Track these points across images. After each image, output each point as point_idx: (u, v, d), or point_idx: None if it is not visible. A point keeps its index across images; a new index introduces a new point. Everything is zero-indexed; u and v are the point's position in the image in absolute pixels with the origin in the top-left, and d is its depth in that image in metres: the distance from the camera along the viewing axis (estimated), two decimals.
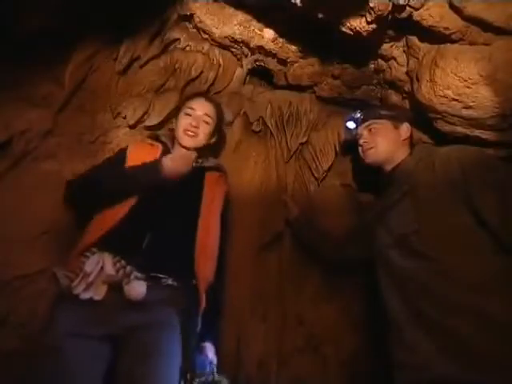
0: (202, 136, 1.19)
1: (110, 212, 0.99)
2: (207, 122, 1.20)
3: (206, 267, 1.01)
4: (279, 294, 1.53)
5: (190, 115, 1.19)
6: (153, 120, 1.47)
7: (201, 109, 1.20)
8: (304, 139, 1.63)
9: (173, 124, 1.27)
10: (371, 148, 1.18)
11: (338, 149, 1.62)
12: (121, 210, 0.98)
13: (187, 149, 1.19)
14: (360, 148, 1.23)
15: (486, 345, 0.83)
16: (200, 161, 1.21)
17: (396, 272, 1.01)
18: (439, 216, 0.97)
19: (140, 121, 1.46)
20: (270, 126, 1.63)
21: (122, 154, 1.17)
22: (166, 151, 1.18)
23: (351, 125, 1.27)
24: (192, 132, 1.17)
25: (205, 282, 1.00)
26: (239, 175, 1.56)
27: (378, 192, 1.39)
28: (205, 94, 1.32)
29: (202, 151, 1.24)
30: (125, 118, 1.44)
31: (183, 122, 1.19)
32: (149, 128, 1.49)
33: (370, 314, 1.53)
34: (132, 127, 1.47)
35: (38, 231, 1.26)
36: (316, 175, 1.64)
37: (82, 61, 1.36)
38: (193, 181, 1.13)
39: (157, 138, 1.23)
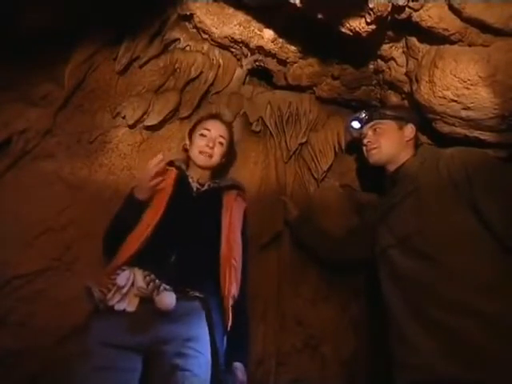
0: (217, 157, 1.24)
1: (137, 233, 1.04)
2: (221, 143, 1.25)
3: (230, 284, 1.02)
4: (278, 293, 1.53)
5: (205, 136, 1.23)
6: (152, 120, 1.47)
7: (215, 130, 1.24)
8: (303, 139, 1.63)
9: (186, 144, 1.30)
10: (375, 148, 1.18)
11: (337, 149, 1.62)
12: (147, 230, 1.03)
13: (202, 168, 1.24)
14: (364, 148, 1.23)
15: (487, 345, 0.82)
16: (217, 181, 1.24)
17: (398, 272, 1.01)
18: (442, 217, 0.97)
19: (139, 121, 1.46)
20: (269, 126, 1.63)
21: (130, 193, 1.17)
22: (182, 173, 1.21)
23: (356, 124, 1.28)
24: (207, 153, 1.21)
25: (230, 299, 1.01)
26: (238, 175, 1.55)
27: (378, 192, 1.39)
28: (218, 116, 1.37)
29: (217, 171, 1.29)
30: (124, 117, 1.44)
31: (199, 142, 1.23)
32: (148, 128, 1.49)
33: (368, 314, 1.53)
34: (131, 127, 1.47)
35: (36, 231, 1.26)
36: (315, 175, 1.64)
37: (81, 61, 1.36)
38: (211, 201, 1.16)
39: (171, 164, 1.24)
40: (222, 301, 1.01)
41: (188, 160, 1.27)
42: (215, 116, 1.35)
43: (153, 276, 0.95)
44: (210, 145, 1.21)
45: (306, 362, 1.50)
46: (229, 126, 1.34)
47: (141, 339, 0.90)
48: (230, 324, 0.98)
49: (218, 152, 1.23)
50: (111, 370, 0.86)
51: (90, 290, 0.92)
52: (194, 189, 1.18)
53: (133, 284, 0.92)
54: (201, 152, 1.21)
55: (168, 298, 0.91)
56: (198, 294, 0.99)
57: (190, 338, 0.92)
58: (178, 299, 0.94)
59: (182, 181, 1.18)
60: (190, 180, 1.20)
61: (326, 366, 1.50)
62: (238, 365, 0.98)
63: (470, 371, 0.82)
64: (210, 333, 0.95)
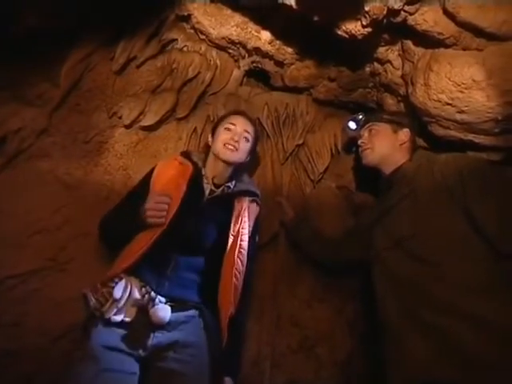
0: (242, 152, 1.17)
1: (140, 240, 1.00)
2: (247, 139, 1.18)
3: (229, 303, 1.00)
4: (274, 294, 1.53)
5: (230, 130, 1.16)
6: (149, 120, 1.47)
7: (241, 125, 1.18)
8: (300, 141, 1.63)
9: (208, 141, 1.22)
10: (368, 148, 1.21)
11: (333, 151, 1.63)
12: (150, 238, 0.99)
13: (225, 163, 1.16)
14: (359, 148, 1.26)
15: (481, 347, 0.83)
16: (231, 184, 1.18)
17: (393, 274, 1.02)
18: (437, 220, 0.98)
19: (136, 121, 1.46)
20: (266, 127, 1.63)
21: (145, 180, 1.12)
22: (197, 172, 1.14)
23: (352, 125, 1.32)
24: (232, 146, 1.13)
25: (226, 317, 0.99)
26: None
27: (375, 194, 1.40)
28: (244, 113, 1.29)
29: (237, 171, 1.21)
30: (120, 117, 1.44)
31: (223, 136, 1.16)
32: (145, 128, 1.49)
33: (364, 315, 1.54)
34: (128, 127, 1.47)
35: (31, 230, 1.25)
36: (312, 177, 1.64)
37: (78, 60, 1.36)
38: (220, 210, 1.11)
39: (188, 157, 1.18)
40: (218, 316, 0.99)
41: (206, 157, 1.20)
42: (240, 112, 1.27)
43: (148, 288, 0.95)
44: (236, 138, 1.14)
45: (302, 363, 1.50)
46: (254, 122, 1.27)
47: (139, 349, 0.91)
48: (225, 341, 0.97)
49: (243, 147, 1.16)
50: (115, 372, 0.86)
51: (85, 298, 0.92)
52: (207, 192, 1.13)
53: (130, 295, 0.91)
54: (225, 145, 1.13)
55: (162, 312, 0.91)
56: (194, 304, 0.99)
57: (188, 344, 0.93)
58: (174, 309, 0.94)
59: (195, 181, 1.12)
60: (205, 181, 1.15)
61: (321, 368, 1.50)
62: (228, 379, 0.97)
63: (463, 373, 0.83)
64: (207, 339, 0.96)
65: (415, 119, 1.26)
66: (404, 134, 1.19)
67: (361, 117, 1.29)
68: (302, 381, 1.46)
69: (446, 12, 1.00)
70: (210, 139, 1.22)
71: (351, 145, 1.53)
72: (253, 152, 1.25)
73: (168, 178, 1.10)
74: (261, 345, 1.45)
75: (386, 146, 1.18)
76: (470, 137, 1.17)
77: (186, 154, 1.21)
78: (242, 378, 1.36)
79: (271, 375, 1.43)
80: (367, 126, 1.24)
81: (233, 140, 1.14)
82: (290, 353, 1.49)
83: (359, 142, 1.26)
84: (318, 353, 1.51)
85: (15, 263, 1.22)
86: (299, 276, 1.57)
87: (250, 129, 1.20)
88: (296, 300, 1.55)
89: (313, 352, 1.51)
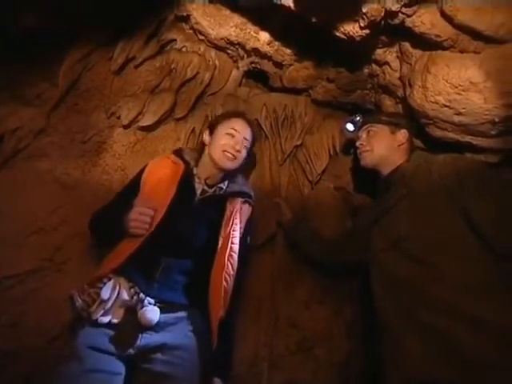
0: (240, 160, 1.15)
1: (129, 240, 0.99)
2: (246, 147, 1.17)
3: (219, 307, 0.98)
4: (272, 295, 1.53)
5: (233, 137, 1.14)
6: (147, 120, 1.47)
7: (243, 132, 1.16)
8: (298, 142, 1.64)
9: (205, 140, 1.19)
10: (367, 150, 1.22)
11: (332, 152, 1.63)
12: (140, 240, 0.98)
13: (221, 170, 1.14)
14: (358, 150, 1.26)
15: (480, 347, 0.83)
16: (224, 186, 1.16)
17: (391, 275, 1.03)
18: (435, 221, 0.99)
19: (134, 121, 1.46)
20: (264, 128, 1.63)
21: (136, 179, 1.11)
22: (188, 172, 1.12)
23: (350, 127, 1.32)
24: (232, 155, 1.12)
25: (216, 320, 0.97)
26: None
27: (373, 195, 1.40)
28: (243, 115, 1.25)
29: (230, 173, 1.19)
30: (119, 117, 1.44)
31: (224, 141, 1.13)
32: (143, 128, 1.49)
33: (362, 316, 1.54)
34: (126, 127, 1.47)
35: (28, 231, 1.25)
36: (310, 178, 1.65)
37: (76, 60, 1.36)
38: (212, 211, 1.09)
39: (181, 156, 1.16)
40: (208, 318, 0.98)
41: (200, 156, 1.18)
42: (240, 115, 1.24)
43: (137, 288, 0.94)
44: (237, 147, 1.12)
45: (300, 364, 1.50)
46: (253, 125, 1.24)
47: (127, 350, 0.90)
48: (215, 344, 0.95)
49: (242, 155, 1.15)
50: (100, 372, 0.86)
51: (71, 299, 0.91)
52: (198, 193, 1.11)
53: (118, 296, 0.90)
54: (225, 152, 1.11)
55: (150, 314, 0.91)
56: (183, 306, 0.98)
57: (176, 346, 0.92)
58: (163, 310, 0.93)
59: (186, 181, 1.10)
60: (196, 181, 1.12)
61: (319, 368, 1.50)
62: (217, 380, 0.96)
63: (461, 373, 0.83)
64: (197, 341, 0.95)
65: (413, 121, 1.26)
66: (402, 134, 1.19)
67: (358, 118, 1.30)
68: (300, 382, 1.46)
69: (443, 14, 1.00)
70: (206, 137, 1.19)
71: (349, 146, 1.53)
72: (249, 155, 1.24)
73: (159, 177, 1.09)
74: (259, 346, 1.45)
75: (384, 148, 1.19)
76: (468, 139, 1.18)
77: (179, 153, 1.18)
78: (240, 379, 1.37)
79: (269, 376, 1.43)
80: (365, 127, 1.24)
81: (234, 149, 1.12)
82: (288, 354, 1.49)
83: (357, 143, 1.26)
84: (316, 354, 1.51)
85: (13, 263, 1.21)
86: (297, 277, 1.57)
87: (249, 135, 1.18)
88: (294, 301, 1.55)
89: (311, 353, 1.51)
